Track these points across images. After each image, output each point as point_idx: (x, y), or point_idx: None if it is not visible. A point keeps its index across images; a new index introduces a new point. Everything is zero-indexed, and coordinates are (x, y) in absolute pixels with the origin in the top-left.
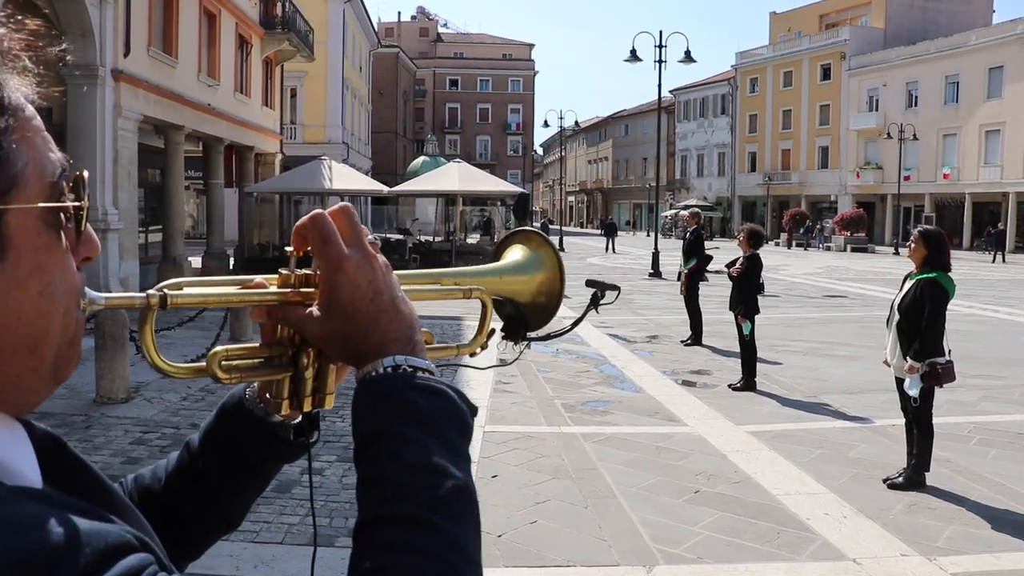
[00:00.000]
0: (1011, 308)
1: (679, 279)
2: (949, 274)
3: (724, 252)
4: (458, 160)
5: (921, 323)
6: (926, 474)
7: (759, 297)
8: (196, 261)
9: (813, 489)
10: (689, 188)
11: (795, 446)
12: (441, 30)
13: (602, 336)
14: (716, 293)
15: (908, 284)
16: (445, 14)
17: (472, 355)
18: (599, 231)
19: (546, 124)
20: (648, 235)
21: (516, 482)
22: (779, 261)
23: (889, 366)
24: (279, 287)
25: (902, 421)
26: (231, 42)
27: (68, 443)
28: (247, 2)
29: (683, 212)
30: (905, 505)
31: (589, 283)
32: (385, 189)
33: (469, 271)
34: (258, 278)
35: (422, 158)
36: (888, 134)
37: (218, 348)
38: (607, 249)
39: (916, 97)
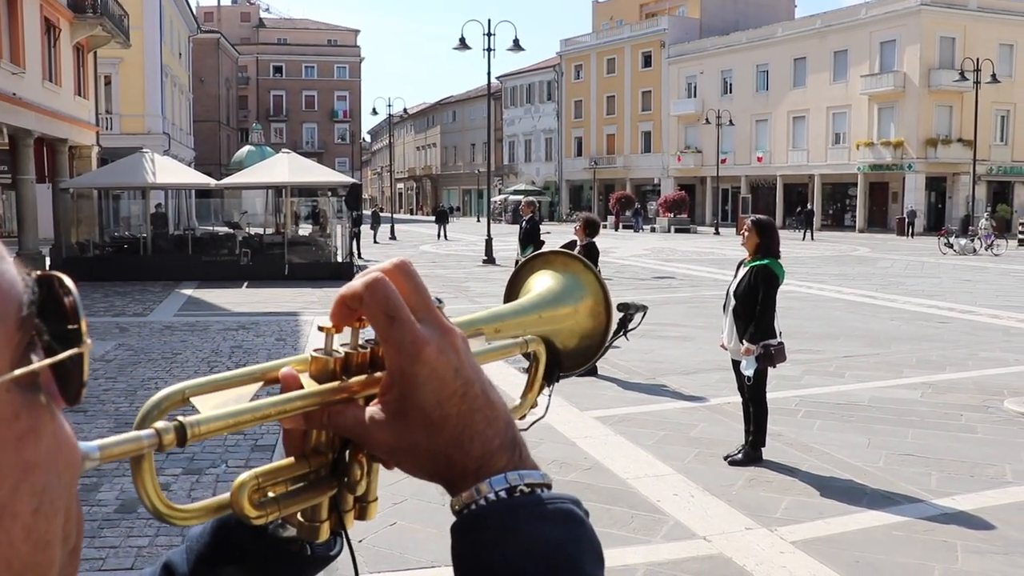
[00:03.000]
0: (823, 284)
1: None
2: (779, 260)
3: (556, 236)
4: (286, 150)
5: (755, 308)
6: (762, 449)
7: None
8: None
9: (660, 471)
10: (517, 173)
11: (640, 429)
12: (263, 15)
13: None
14: None
15: (742, 271)
16: None
17: (520, 418)
18: (431, 218)
19: (374, 111)
20: (478, 220)
21: None
22: (608, 244)
23: (726, 349)
24: (315, 376)
25: (737, 399)
26: (36, 26)
27: None
28: None
29: (512, 197)
30: (745, 480)
31: (621, 307)
32: (213, 182)
33: (504, 312)
34: (284, 366)
35: (247, 148)
36: (706, 119)
37: (244, 476)
38: (439, 236)
39: (731, 84)
